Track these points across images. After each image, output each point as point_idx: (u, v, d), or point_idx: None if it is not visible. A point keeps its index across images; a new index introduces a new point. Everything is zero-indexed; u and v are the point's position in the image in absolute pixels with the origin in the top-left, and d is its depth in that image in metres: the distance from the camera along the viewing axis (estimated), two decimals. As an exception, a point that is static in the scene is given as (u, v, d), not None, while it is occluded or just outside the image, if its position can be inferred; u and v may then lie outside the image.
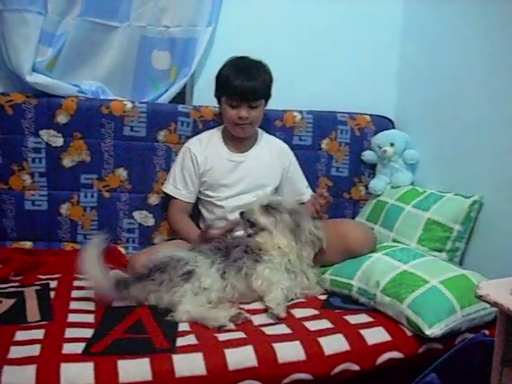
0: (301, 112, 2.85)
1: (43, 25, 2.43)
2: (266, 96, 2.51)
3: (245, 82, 2.40)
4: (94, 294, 2.03)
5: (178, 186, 2.53)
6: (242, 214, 2.29)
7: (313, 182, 2.81)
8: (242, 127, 2.48)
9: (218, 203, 2.53)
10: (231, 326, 1.86)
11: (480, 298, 1.41)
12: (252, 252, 2.16)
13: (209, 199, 2.55)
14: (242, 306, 2.06)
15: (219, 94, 2.51)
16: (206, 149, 2.55)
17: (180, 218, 2.53)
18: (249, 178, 2.55)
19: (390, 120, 3.00)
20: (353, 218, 2.91)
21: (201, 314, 1.89)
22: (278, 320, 1.94)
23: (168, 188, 2.56)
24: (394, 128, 2.97)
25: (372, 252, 2.26)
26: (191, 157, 2.52)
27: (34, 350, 1.64)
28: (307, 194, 2.69)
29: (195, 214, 2.61)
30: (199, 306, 1.94)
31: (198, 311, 1.91)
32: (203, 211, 2.59)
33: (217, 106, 2.60)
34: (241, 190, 2.53)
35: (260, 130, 2.65)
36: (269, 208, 2.25)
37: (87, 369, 1.58)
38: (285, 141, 2.76)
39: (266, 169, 2.59)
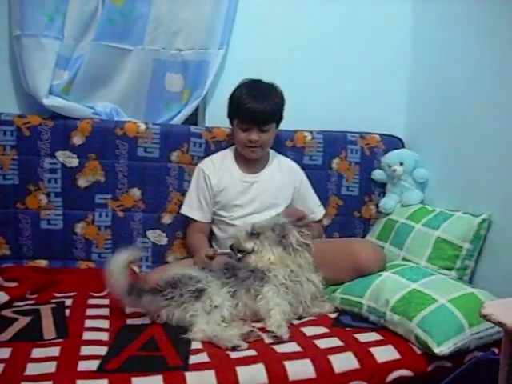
0: (311, 132, 2.89)
1: (59, 49, 2.51)
2: (277, 120, 2.56)
3: (256, 105, 2.43)
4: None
5: (194, 207, 2.58)
6: (231, 246, 2.35)
7: (324, 202, 2.84)
8: (252, 150, 2.52)
9: (231, 222, 2.57)
10: (245, 346, 1.87)
11: (484, 317, 1.43)
12: (257, 271, 2.20)
13: (222, 219, 2.59)
14: (254, 324, 2.08)
15: (231, 116, 2.55)
16: (220, 170, 2.59)
17: (196, 237, 2.57)
18: (261, 198, 2.58)
19: (399, 139, 3.03)
20: (363, 236, 2.93)
21: (216, 334, 1.91)
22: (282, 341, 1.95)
23: (185, 210, 2.61)
24: (403, 147, 2.99)
25: (382, 270, 2.28)
26: (204, 178, 2.57)
27: (50, 367, 1.67)
28: (319, 212, 2.73)
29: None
30: (214, 325, 1.96)
31: (213, 331, 1.92)
32: (215, 230, 2.63)
33: (229, 126, 2.64)
34: (253, 210, 2.57)
35: (271, 151, 2.69)
36: (253, 233, 2.31)
37: (102, 386, 1.61)
38: (296, 161, 2.79)
39: (278, 189, 2.62)
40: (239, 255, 2.31)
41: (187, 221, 2.63)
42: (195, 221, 2.59)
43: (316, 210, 2.73)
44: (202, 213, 2.58)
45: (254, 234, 2.31)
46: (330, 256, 2.34)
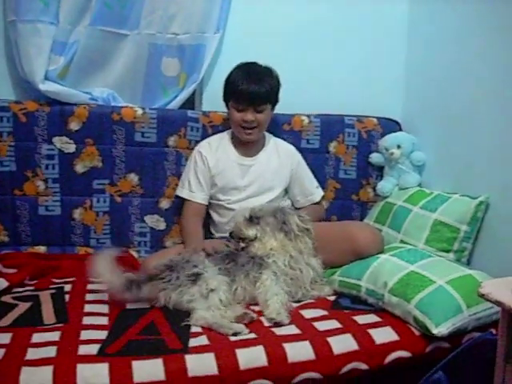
0: (308, 116, 2.88)
1: (55, 34, 2.49)
2: (273, 101, 2.55)
3: (251, 85, 2.44)
4: (108, 296, 2.08)
5: (192, 189, 2.57)
6: (230, 234, 2.36)
7: (321, 185, 2.84)
8: (247, 132, 2.52)
9: (228, 206, 2.57)
10: (246, 332, 1.88)
11: (482, 296, 1.44)
12: (257, 257, 2.21)
13: (219, 202, 2.60)
14: (253, 308, 2.09)
15: (227, 98, 2.55)
16: (217, 152, 2.60)
17: (192, 222, 2.57)
18: (258, 181, 2.59)
19: (396, 122, 3.02)
20: (361, 219, 2.93)
21: (216, 321, 1.91)
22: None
23: (183, 192, 2.60)
24: (400, 130, 2.99)
25: (380, 253, 2.30)
26: (202, 159, 2.57)
27: (51, 352, 1.68)
28: (318, 193, 2.74)
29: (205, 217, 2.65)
30: (215, 310, 1.96)
31: (214, 318, 1.93)
32: (213, 214, 2.64)
33: (226, 111, 2.64)
34: (251, 194, 2.58)
35: (267, 134, 2.69)
36: (252, 218, 2.31)
37: (102, 369, 1.62)
38: (293, 144, 2.79)
39: (275, 172, 2.63)
40: (242, 244, 2.30)
41: (182, 203, 2.63)
42: (192, 203, 2.58)
43: (314, 192, 2.74)
44: (199, 194, 2.58)
45: (254, 219, 2.31)
46: (328, 239, 2.35)
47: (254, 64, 2.53)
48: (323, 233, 2.36)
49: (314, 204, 2.72)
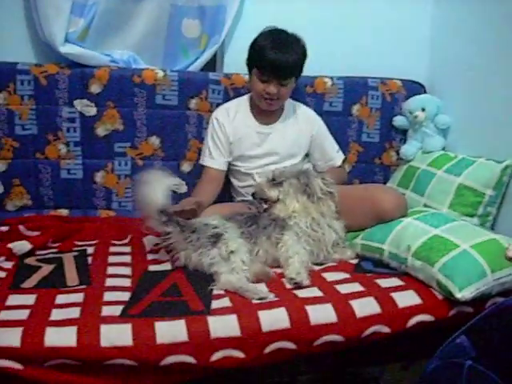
0: (331, 78, 2.84)
1: (74, -5, 2.46)
2: (298, 74, 2.49)
3: (279, 57, 2.35)
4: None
5: (212, 155, 2.54)
6: (253, 195, 2.34)
7: (344, 148, 2.81)
8: (268, 102, 2.47)
9: (248, 172, 2.57)
10: (271, 296, 1.88)
11: (510, 260, 1.41)
12: (278, 219, 2.20)
13: (238, 168, 2.59)
14: (275, 270, 2.09)
15: (251, 65, 2.48)
16: (235, 119, 2.56)
17: (205, 189, 2.52)
18: (277, 149, 2.57)
19: (421, 85, 2.97)
20: (384, 183, 2.91)
21: (241, 285, 1.91)
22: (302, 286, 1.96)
23: (204, 160, 2.57)
24: (425, 93, 2.94)
25: (403, 217, 2.27)
26: (220, 126, 2.54)
27: (75, 313, 1.70)
28: (338, 158, 2.71)
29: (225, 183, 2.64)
30: (240, 273, 1.96)
31: (239, 282, 1.93)
32: (232, 179, 2.63)
33: (248, 73, 2.61)
34: (270, 161, 2.55)
35: (291, 101, 2.65)
36: (275, 180, 2.29)
37: (126, 330, 1.64)
38: (315, 107, 2.77)
39: (294, 139, 2.60)
40: (264, 206, 2.29)
41: (202, 170, 2.61)
42: (209, 168, 2.56)
43: (335, 156, 2.70)
44: (217, 159, 2.54)
45: (277, 181, 2.29)
46: (351, 202, 2.32)
47: (282, 32, 2.44)
48: (346, 196, 2.34)
49: (336, 168, 2.69)
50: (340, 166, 2.72)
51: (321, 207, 2.25)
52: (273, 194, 2.28)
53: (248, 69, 2.51)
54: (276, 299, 1.85)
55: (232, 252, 2.02)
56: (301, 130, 2.62)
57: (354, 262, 2.26)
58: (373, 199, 2.30)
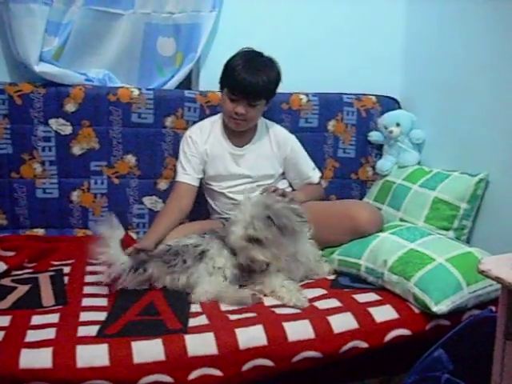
0: (307, 94, 2.86)
1: (49, 14, 2.46)
2: (268, 96, 2.46)
3: (249, 78, 2.33)
4: (108, 277, 2.01)
5: (185, 169, 2.49)
6: (241, 267, 2.11)
7: (320, 164, 2.83)
8: (236, 122, 2.44)
9: (221, 191, 2.54)
10: (250, 301, 1.89)
11: (482, 273, 1.43)
12: None
13: (211, 187, 2.56)
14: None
15: (222, 83, 2.47)
16: (208, 139, 2.53)
17: (171, 208, 2.46)
18: (250, 171, 2.54)
19: (395, 100, 3.00)
20: (360, 198, 2.92)
21: (219, 293, 1.92)
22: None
23: (178, 176, 2.52)
24: (399, 108, 2.97)
25: (379, 232, 2.28)
26: (194, 144, 2.51)
27: (50, 334, 1.68)
28: (315, 175, 2.69)
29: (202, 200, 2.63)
30: (216, 285, 1.97)
31: (216, 290, 1.94)
32: (208, 199, 2.61)
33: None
34: (243, 183, 2.53)
35: (261, 120, 2.61)
36: (256, 239, 2.04)
37: (102, 350, 1.62)
38: (291, 124, 2.79)
39: (267, 161, 2.57)
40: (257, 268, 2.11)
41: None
42: (180, 183, 2.50)
43: (311, 175, 2.68)
44: (189, 173, 2.49)
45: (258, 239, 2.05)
46: (327, 219, 2.33)
47: (256, 55, 2.42)
48: (322, 212, 2.35)
49: (312, 185, 2.68)
50: (317, 183, 2.72)
51: (296, 239, 2.12)
52: (267, 255, 2.05)
53: (220, 87, 2.50)
54: (252, 315, 1.85)
55: (219, 268, 2.04)
56: (274, 152, 2.59)
57: (331, 277, 2.26)
58: (349, 215, 2.31)
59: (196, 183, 2.52)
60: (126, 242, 2.44)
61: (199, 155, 2.51)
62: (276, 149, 2.58)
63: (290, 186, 2.65)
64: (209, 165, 2.53)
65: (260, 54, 2.43)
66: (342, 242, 2.34)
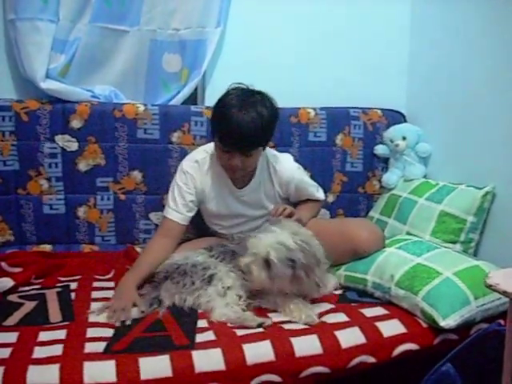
0: (314, 109, 2.87)
1: (55, 32, 2.48)
2: (264, 143, 2.28)
3: (240, 130, 2.11)
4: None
5: (178, 206, 2.32)
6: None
7: (328, 179, 2.86)
8: (233, 171, 2.29)
9: (221, 231, 2.48)
10: (270, 322, 1.89)
11: (489, 287, 1.42)
12: None
13: (210, 225, 2.51)
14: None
15: (213, 131, 2.28)
16: (207, 176, 2.37)
17: (164, 241, 2.30)
18: (251, 210, 2.44)
19: (401, 114, 3.02)
20: (367, 212, 2.94)
21: (239, 316, 1.91)
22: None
23: (168, 212, 2.33)
24: (405, 122, 2.98)
25: (380, 250, 2.27)
26: (191, 180, 2.35)
27: (57, 350, 1.68)
28: (320, 196, 2.58)
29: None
30: (234, 306, 1.97)
31: (236, 313, 1.93)
32: (203, 214, 2.51)
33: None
34: (244, 220, 2.44)
35: (262, 155, 2.39)
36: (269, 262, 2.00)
37: (109, 366, 1.62)
38: (300, 137, 2.81)
39: (269, 198, 2.44)
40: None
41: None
42: (168, 220, 2.33)
43: (318, 197, 2.56)
44: (181, 211, 2.32)
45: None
46: (327, 238, 2.18)
47: (246, 97, 2.18)
48: (323, 232, 2.23)
49: (312, 201, 2.56)
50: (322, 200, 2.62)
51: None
52: (264, 281, 2.00)
53: (212, 135, 2.33)
54: (260, 331, 1.84)
55: (229, 288, 2.02)
56: (276, 191, 2.44)
57: (338, 292, 2.26)
58: (348, 235, 2.29)
59: (186, 222, 2.35)
60: (130, 255, 2.47)
61: (196, 193, 2.36)
62: (278, 187, 2.44)
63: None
64: (208, 204, 2.40)
65: (249, 97, 2.19)
66: (342, 262, 2.32)
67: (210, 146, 2.38)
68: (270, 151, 2.46)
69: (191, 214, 2.36)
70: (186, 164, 2.39)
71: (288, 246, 1.98)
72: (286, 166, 2.45)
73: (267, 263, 1.98)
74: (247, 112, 2.13)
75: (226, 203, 2.41)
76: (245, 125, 2.11)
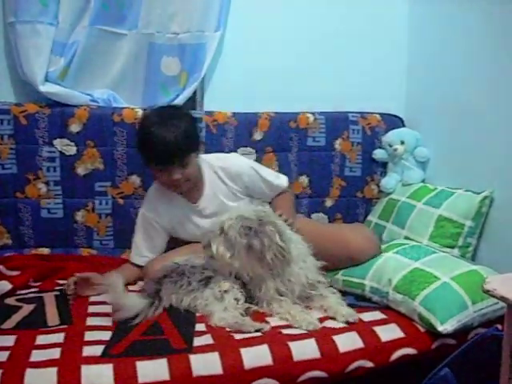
0: (313, 113, 2.87)
1: (54, 35, 2.49)
2: (195, 148, 2.30)
3: (166, 141, 2.16)
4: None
5: (141, 251, 2.39)
6: (203, 246, 2.09)
7: (327, 183, 2.87)
8: (177, 186, 2.30)
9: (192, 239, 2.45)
10: (268, 327, 1.88)
11: (487, 292, 1.42)
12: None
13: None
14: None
15: (143, 159, 2.32)
16: (165, 210, 2.40)
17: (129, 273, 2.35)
18: (213, 216, 2.38)
19: (400, 118, 3.01)
20: (365, 216, 2.94)
21: (237, 321, 1.91)
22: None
23: (134, 259, 2.40)
24: (404, 126, 2.98)
25: (376, 255, 2.27)
26: (153, 220, 2.40)
27: (55, 353, 1.68)
28: (282, 182, 2.53)
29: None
30: (232, 310, 1.96)
31: (234, 318, 1.92)
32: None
33: (230, 110, 2.66)
34: (210, 227, 2.30)
35: (203, 162, 2.42)
36: (226, 234, 2.02)
37: (107, 370, 1.62)
38: (299, 142, 2.81)
39: (229, 197, 2.43)
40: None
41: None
42: (135, 265, 2.40)
43: (278, 182, 2.51)
44: (143, 254, 2.39)
45: (228, 236, 2.02)
46: (322, 244, 2.20)
47: (163, 114, 2.27)
48: (318, 238, 2.23)
49: (283, 195, 2.53)
50: (287, 188, 2.55)
51: (272, 270, 2.04)
52: (225, 254, 2.01)
53: (145, 163, 2.35)
54: (257, 335, 1.84)
55: (226, 291, 2.02)
56: (231, 187, 2.43)
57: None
58: (343, 242, 2.29)
59: (144, 263, 2.39)
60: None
61: (162, 229, 2.41)
62: (231, 183, 2.43)
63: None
64: (173, 232, 2.44)
65: (164, 109, 2.35)
66: (338, 268, 2.32)
67: (154, 187, 2.44)
68: (211, 156, 2.49)
69: (157, 254, 2.40)
70: (144, 208, 2.43)
71: (244, 216, 2.01)
72: (232, 160, 2.49)
73: (226, 236, 2.00)
74: (166, 125, 2.19)
75: (189, 220, 2.42)
76: (169, 136, 2.17)
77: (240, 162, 2.50)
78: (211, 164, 2.43)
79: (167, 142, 2.16)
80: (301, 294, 2.10)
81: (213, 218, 2.35)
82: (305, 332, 1.88)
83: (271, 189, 2.51)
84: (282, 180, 2.55)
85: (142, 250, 2.40)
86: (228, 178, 2.43)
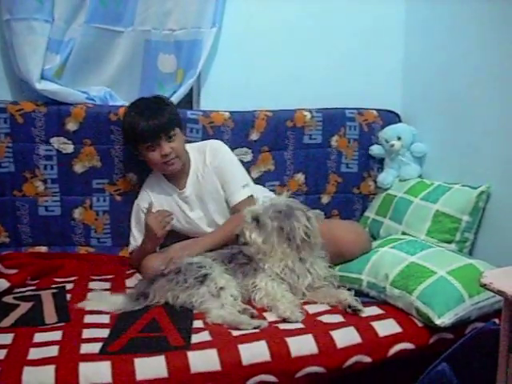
0: (310, 111, 2.86)
1: (50, 32, 2.48)
2: (179, 123, 2.45)
3: (151, 116, 2.33)
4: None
5: (139, 241, 2.48)
6: (237, 236, 2.19)
7: (323, 180, 2.87)
8: (170, 163, 2.39)
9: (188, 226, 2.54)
10: (265, 324, 1.89)
11: (484, 286, 1.43)
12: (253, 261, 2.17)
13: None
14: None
15: (133, 144, 2.44)
16: (156, 198, 2.50)
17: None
18: (196, 204, 2.51)
19: (396, 114, 3.01)
20: (362, 212, 2.94)
21: (234, 318, 1.91)
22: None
23: (132, 248, 2.53)
24: (400, 122, 2.98)
25: (366, 252, 2.28)
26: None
27: (53, 351, 1.68)
28: (239, 196, 2.48)
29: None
30: (230, 307, 1.97)
31: (231, 315, 1.93)
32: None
33: (226, 109, 2.66)
34: (206, 213, 2.51)
35: (192, 149, 2.54)
36: (259, 221, 2.14)
37: (105, 367, 1.62)
38: (296, 140, 2.81)
39: (214, 178, 2.49)
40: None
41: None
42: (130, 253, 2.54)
43: (233, 191, 2.50)
44: (138, 243, 2.49)
45: (261, 223, 2.14)
46: None
47: (143, 101, 2.45)
48: None
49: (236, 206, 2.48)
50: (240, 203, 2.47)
51: (300, 253, 2.14)
52: (257, 240, 2.13)
53: (133, 148, 2.47)
54: (255, 331, 1.84)
55: (222, 288, 2.02)
56: (208, 168, 2.49)
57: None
58: (333, 239, 2.28)
59: None
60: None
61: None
62: (210, 159, 2.49)
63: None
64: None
65: (145, 99, 2.47)
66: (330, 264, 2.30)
67: (149, 177, 2.58)
68: (198, 143, 2.60)
69: None
70: (138, 199, 2.55)
71: (275, 203, 2.18)
72: (215, 141, 2.59)
73: (258, 224, 2.14)
74: (149, 107, 2.39)
75: (182, 208, 2.50)
76: (152, 113, 2.35)
77: (222, 143, 2.57)
78: (199, 148, 2.54)
79: (150, 116, 2.33)
80: (312, 284, 2.14)
81: (197, 209, 2.49)
82: (302, 327, 1.89)
83: (227, 192, 2.49)
84: (242, 194, 2.48)
85: (138, 239, 2.47)
86: (209, 153, 2.50)
